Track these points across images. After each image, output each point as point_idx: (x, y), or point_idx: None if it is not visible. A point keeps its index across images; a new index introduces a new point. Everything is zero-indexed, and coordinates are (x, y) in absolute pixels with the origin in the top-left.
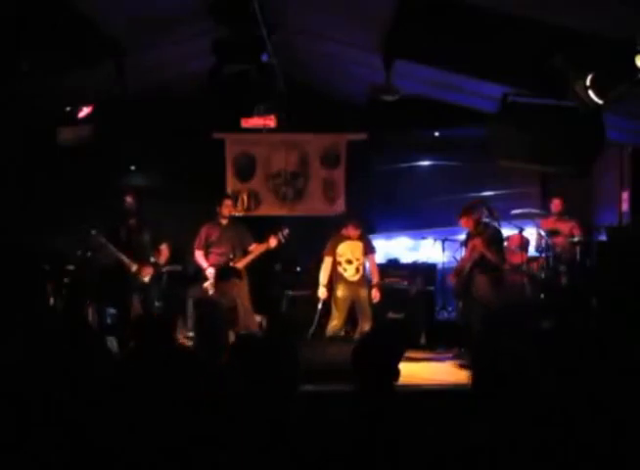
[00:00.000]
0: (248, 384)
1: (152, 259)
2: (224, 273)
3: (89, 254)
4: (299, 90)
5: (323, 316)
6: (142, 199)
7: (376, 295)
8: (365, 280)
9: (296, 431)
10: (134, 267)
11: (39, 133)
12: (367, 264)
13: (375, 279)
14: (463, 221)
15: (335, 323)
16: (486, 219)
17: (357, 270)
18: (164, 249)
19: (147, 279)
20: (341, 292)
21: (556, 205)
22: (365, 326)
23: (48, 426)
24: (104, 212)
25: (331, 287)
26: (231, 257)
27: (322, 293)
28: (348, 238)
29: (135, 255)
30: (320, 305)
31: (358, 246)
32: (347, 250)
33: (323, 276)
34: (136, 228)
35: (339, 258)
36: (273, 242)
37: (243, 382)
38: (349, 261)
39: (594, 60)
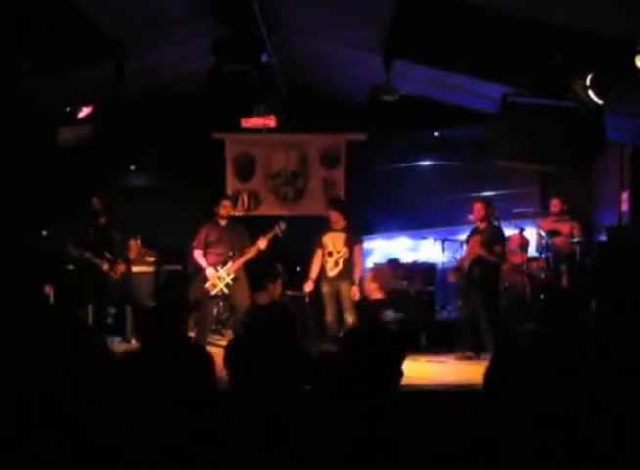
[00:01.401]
0: (248, 383)
1: (126, 258)
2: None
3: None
4: (299, 90)
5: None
6: (110, 200)
7: (355, 292)
8: (348, 275)
9: (296, 431)
10: (105, 267)
11: (39, 133)
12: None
13: (355, 274)
14: (477, 206)
15: (327, 318)
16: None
17: (336, 264)
18: (134, 244)
19: (118, 276)
20: (324, 288)
21: (554, 204)
22: (349, 319)
23: (48, 426)
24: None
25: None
26: (230, 254)
27: (307, 285)
28: (332, 229)
29: (107, 257)
30: (307, 299)
31: (340, 237)
32: (329, 241)
33: (312, 269)
34: (104, 227)
35: (323, 250)
36: (262, 244)
37: (242, 381)
38: (330, 254)
39: (594, 60)
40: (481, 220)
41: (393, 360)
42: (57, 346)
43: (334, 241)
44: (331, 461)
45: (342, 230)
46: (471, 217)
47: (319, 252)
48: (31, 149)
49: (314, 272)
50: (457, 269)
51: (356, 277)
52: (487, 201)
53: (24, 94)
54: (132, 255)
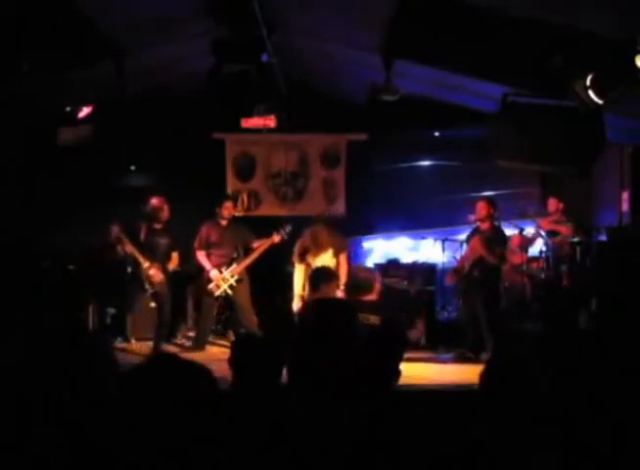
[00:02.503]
0: (247, 383)
1: (165, 265)
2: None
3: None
4: (299, 90)
5: None
6: (170, 205)
7: (341, 296)
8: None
9: (296, 431)
10: (146, 264)
11: (39, 133)
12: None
13: (341, 279)
14: (480, 205)
15: None
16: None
17: None
18: (175, 256)
19: (156, 279)
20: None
21: (552, 204)
22: None
23: (48, 426)
24: (106, 213)
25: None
26: (235, 256)
27: (296, 304)
28: (317, 246)
29: (150, 258)
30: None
31: (327, 253)
32: (315, 258)
33: (297, 285)
34: (159, 234)
35: (307, 267)
36: (277, 237)
37: (242, 381)
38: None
39: (594, 60)
40: (483, 220)
41: (390, 360)
42: (57, 346)
43: (322, 259)
44: (331, 461)
45: (328, 246)
46: (472, 217)
47: (301, 268)
48: (31, 149)
49: (300, 287)
50: (456, 271)
51: (341, 281)
52: (490, 200)
53: (24, 94)
54: (172, 265)
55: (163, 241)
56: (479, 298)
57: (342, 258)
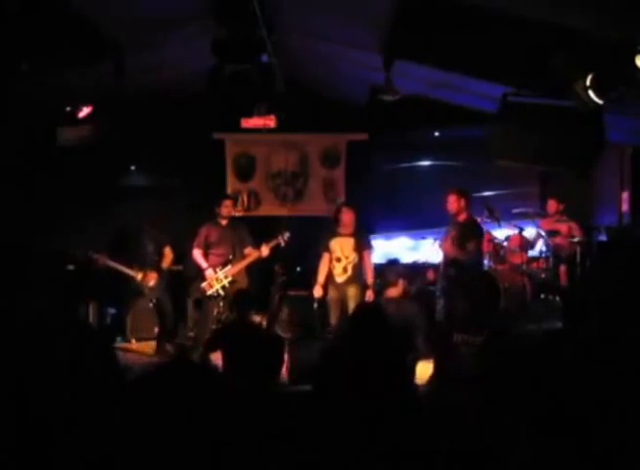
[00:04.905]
0: (245, 382)
1: (158, 265)
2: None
3: (89, 253)
4: (299, 90)
5: (324, 316)
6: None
7: (370, 296)
8: (357, 280)
9: (296, 431)
10: (139, 276)
11: (39, 133)
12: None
13: (369, 279)
14: (451, 198)
15: (331, 322)
16: (486, 219)
17: (344, 270)
18: (168, 252)
19: (152, 284)
20: (330, 293)
21: (551, 205)
22: None
23: (48, 426)
24: (105, 213)
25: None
26: (230, 257)
27: (316, 291)
28: (340, 234)
29: (139, 262)
30: (316, 305)
31: (349, 242)
32: (337, 246)
33: (320, 274)
34: (143, 239)
35: (331, 255)
36: (265, 251)
37: (240, 380)
38: (338, 259)
39: (594, 60)
40: (457, 213)
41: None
42: (57, 346)
43: (342, 246)
44: (331, 461)
45: (351, 235)
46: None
47: (326, 256)
48: (31, 149)
49: (322, 277)
50: (435, 268)
51: (370, 281)
52: (461, 191)
53: (24, 94)
54: (166, 263)
55: (149, 246)
56: (457, 297)
57: (367, 254)
